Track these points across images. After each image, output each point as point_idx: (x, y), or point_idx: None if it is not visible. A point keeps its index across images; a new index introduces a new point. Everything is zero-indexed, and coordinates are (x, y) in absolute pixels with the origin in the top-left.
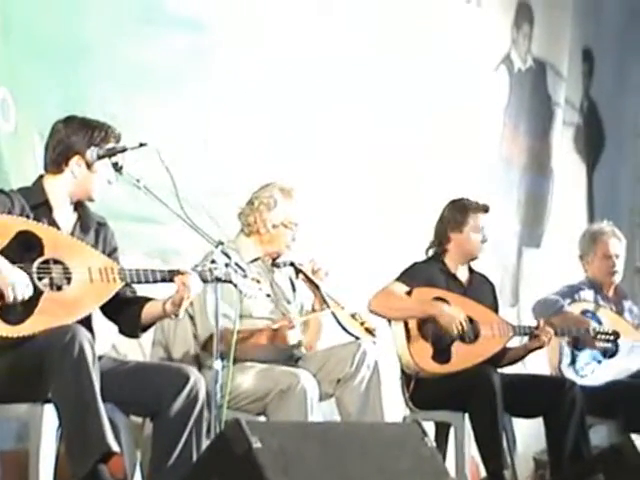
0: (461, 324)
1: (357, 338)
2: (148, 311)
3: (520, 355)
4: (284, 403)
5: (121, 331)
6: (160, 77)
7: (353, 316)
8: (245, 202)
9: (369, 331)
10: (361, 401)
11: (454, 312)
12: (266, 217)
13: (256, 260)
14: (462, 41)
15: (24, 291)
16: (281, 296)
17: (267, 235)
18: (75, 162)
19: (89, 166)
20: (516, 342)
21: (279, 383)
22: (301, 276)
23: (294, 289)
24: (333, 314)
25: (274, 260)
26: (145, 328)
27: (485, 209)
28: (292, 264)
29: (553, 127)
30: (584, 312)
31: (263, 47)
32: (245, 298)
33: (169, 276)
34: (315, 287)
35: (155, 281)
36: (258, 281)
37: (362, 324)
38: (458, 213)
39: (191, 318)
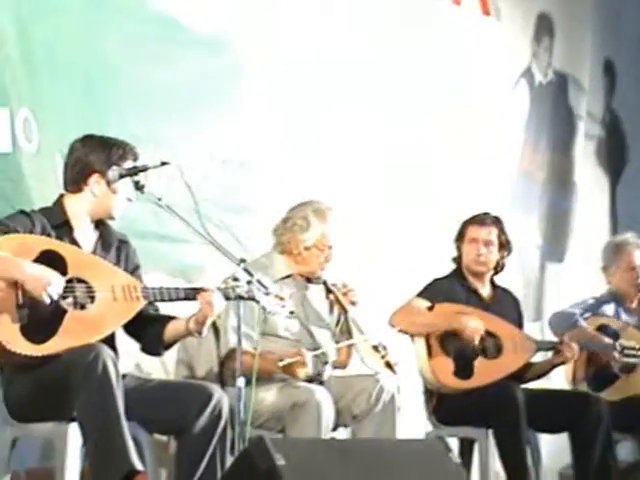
0: (482, 336)
1: (376, 372)
2: (171, 329)
3: (544, 370)
4: (298, 417)
5: (143, 349)
6: (181, 96)
7: (376, 348)
8: (279, 219)
9: (389, 365)
10: (375, 435)
11: (476, 324)
12: (299, 238)
13: (288, 277)
14: (482, 55)
15: (60, 288)
16: (311, 315)
17: (300, 255)
18: (94, 181)
19: (109, 184)
20: (540, 357)
21: (294, 398)
22: (331, 296)
23: (331, 310)
24: (353, 345)
25: (308, 279)
26: (168, 346)
27: (481, 222)
28: (324, 283)
29: (575, 140)
30: (602, 327)
31: (285, 63)
32: (269, 315)
33: (192, 294)
34: (343, 311)
35: (178, 299)
36: (281, 298)
37: (383, 357)
38: (462, 226)
39: (216, 336)
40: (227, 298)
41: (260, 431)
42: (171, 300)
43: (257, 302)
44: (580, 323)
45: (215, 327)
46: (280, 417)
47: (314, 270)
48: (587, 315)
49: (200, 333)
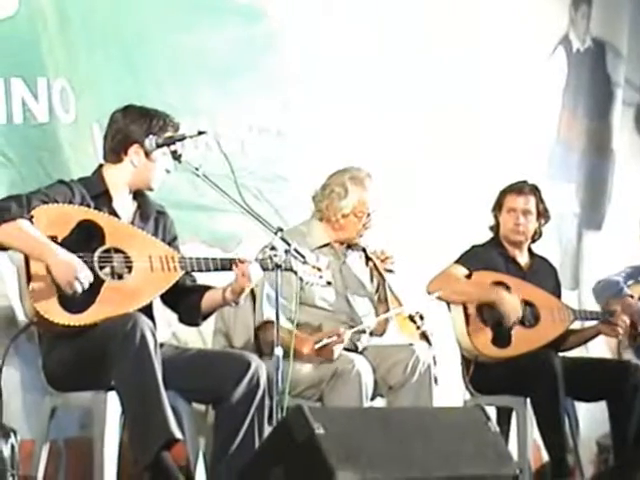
0: (519, 316)
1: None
2: (208, 299)
3: (587, 337)
4: (339, 387)
5: (181, 319)
6: (218, 65)
7: (412, 318)
8: (318, 186)
9: (425, 336)
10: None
11: (514, 300)
12: (337, 205)
13: (326, 246)
14: (519, 23)
15: (86, 281)
16: (351, 283)
17: (337, 223)
18: (134, 151)
19: (147, 155)
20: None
21: (334, 366)
22: (370, 264)
23: (372, 277)
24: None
25: (348, 245)
26: (205, 316)
27: (519, 191)
28: (364, 250)
29: (613, 108)
30: None
31: (321, 31)
32: (305, 286)
33: (229, 264)
34: (381, 279)
35: (215, 269)
36: (319, 269)
37: (418, 328)
38: (500, 195)
39: (254, 305)
40: (264, 269)
41: (298, 400)
42: (208, 270)
43: (295, 272)
44: (625, 291)
45: (253, 296)
46: (319, 386)
47: (352, 237)
48: (630, 282)
49: (237, 303)
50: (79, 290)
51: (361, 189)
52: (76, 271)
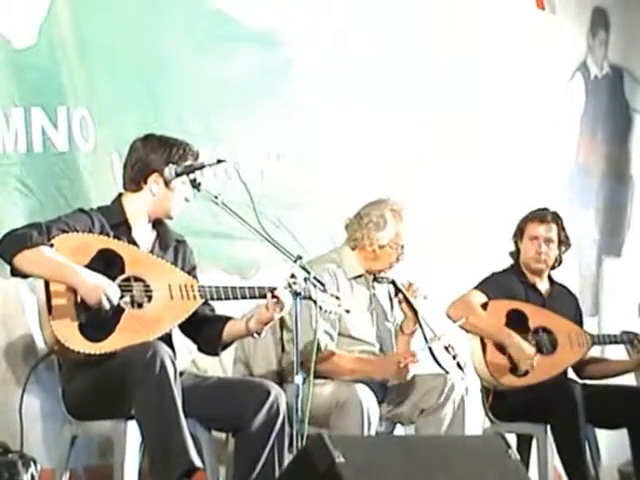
0: (532, 364)
1: (447, 372)
2: (230, 330)
3: (619, 371)
4: (342, 416)
5: (200, 349)
6: (236, 93)
7: (447, 348)
8: (352, 215)
9: (459, 366)
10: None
11: (527, 349)
12: (374, 236)
13: (359, 277)
14: (538, 49)
15: (115, 298)
16: (381, 315)
17: (372, 253)
18: (153, 180)
19: (167, 184)
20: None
21: (337, 397)
22: (400, 296)
23: (392, 307)
24: (430, 349)
25: (374, 276)
26: (225, 346)
27: (541, 219)
28: (393, 282)
29: (631, 133)
30: None
31: (339, 58)
32: (325, 314)
33: (248, 293)
34: (413, 311)
35: (234, 298)
36: (337, 297)
37: (454, 358)
38: (521, 222)
39: (275, 334)
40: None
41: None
42: (227, 299)
43: (314, 302)
44: None
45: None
46: (322, 415)
47: (384, 268)
48: None
49: (259, 334)
50: (107, 307)
51: (399, 221)
52: (104, 288)
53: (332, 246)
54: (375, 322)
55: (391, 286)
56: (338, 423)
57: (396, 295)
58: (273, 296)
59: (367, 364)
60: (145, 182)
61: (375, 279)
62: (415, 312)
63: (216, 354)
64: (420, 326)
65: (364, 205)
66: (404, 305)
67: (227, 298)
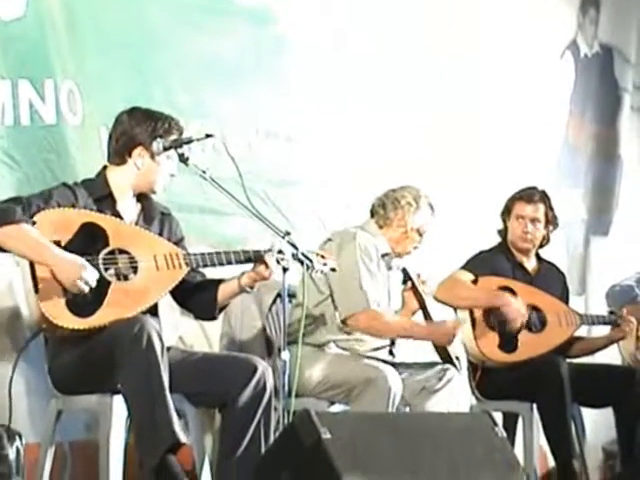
0: (523, 322)
1: (446, 362)
2: (224, 291)
3: (600, 346)
4: (368, 394)
5: (197, 316)
6: (226, 68)
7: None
8: (382, 195)
9: (457, 358)
10: None
11: (520, 305)
12: (408, 218)
13: (386, 255)
14: (527, 27)
15: (92, 280)
16: (392, 296)
17: (397, 234)
18: (138, 153)
19: (152, 157)
20: (584, 332)
21: (367, 373)
22: (409, 284)
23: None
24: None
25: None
26: (222, 309)
27: (528, 199)
28: (404, 270)
29: (621, 113)
30: None
31: (330, 35)
32: (313, 273)
33: (232, 257)
34: (420, 300)
35: (220, 264)
36: (323, 256)
37: (453, 350)
38: (509, 201)
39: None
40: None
41: (321, 399)
42: (213, 265)
43: (301, 263)
44: (639, 297)
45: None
46: (349, 389)
47: (404, 252)
48: None
49: (252, 288)
50: (85, 290)
51: (430, 209)
52: (80, 271)
53: (318, 222)
54: (389, 302)
55: (401, 274)
56: (361, 399)
57: (404, 283)
58: (259, 261)
59: (417, 326)
60: (130, 155)
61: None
62: (422, 303)
63: (214, 318)
64: (426, 317)
65: (393, 188)
66: (408, 294)
67: (213, 264)
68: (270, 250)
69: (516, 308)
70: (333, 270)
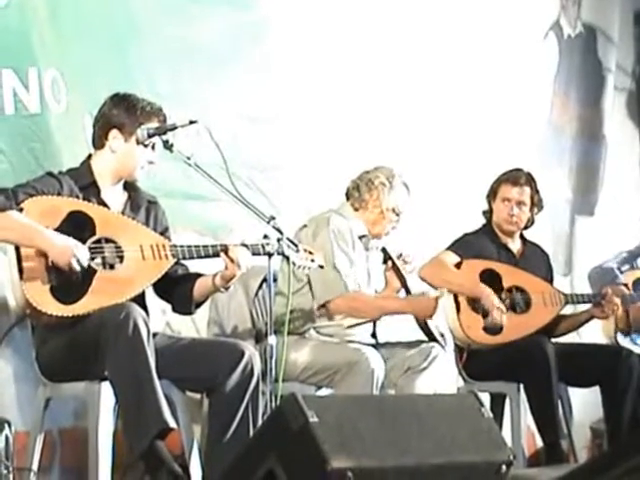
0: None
1: (431, 340)
2: (199, 287)
3: (581, 321)
4: (351, 377)
5: (175, 309)
6: (209, 54)
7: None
8: (356, 177)
9: (441, 335)
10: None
11: (499, 303)
12: (382, 198)
13: (363, 237)
14: (510, 8)
15: (84, 260)
16: (373, 278)
17: (373, 215)
18: (113, 136)
19: (126, 140)
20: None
21: (348, 357)
22: (389, 263)
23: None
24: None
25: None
26: (198, 304)
27: (514, 181)
28: (384, 249)
29: (604, 93)
30: (638, 280)
31: (313, 19)
32: (298, 270)
33: (220, 250)
34: (401, 279)
35: (206, 256)
36: (310, 252)
37: (436, 327)
38: (495, 183)
39: (246, 292)
40: (256, 254)
41: (305, 387)
42: (199, 257)
43: (287, 258)
44: (620, 279)
45: (245, 284)
46: (331, 373)
47: (381, 233)
48: (625, 268)
49: (226, 289)
50: (78, 268)
51: (405, 188)
52: (73, 250)
53: (303, 208)
54: (369, 283)
55: (381, 254)
56: (345, 382)
57: (385, 262)
58: (226, 255)
59: (395, 301)
60: (106, 138)
61: (366, 247)
62: (403, 281)
63: (190, 313)
64: (408, 292)
65: (366, 170)
66: (390, 273)
67: (199, 257)
68: (262, 247)
69: (496, 304)
70: (321, 267)
